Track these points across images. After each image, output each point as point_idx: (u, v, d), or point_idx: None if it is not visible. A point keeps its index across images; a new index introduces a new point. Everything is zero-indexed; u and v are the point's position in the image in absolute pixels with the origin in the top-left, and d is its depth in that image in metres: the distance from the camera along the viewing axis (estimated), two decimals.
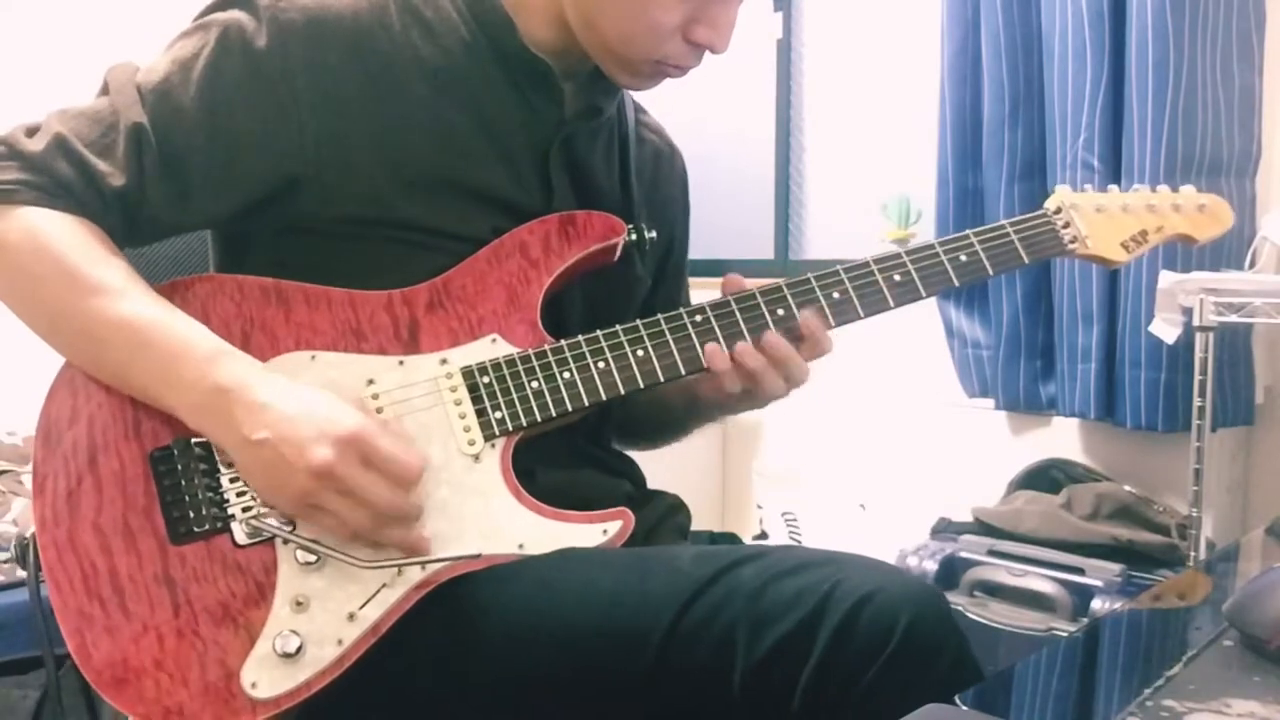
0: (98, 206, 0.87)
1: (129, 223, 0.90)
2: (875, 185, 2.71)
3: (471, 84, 0.95)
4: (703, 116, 3.16)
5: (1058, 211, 1.02)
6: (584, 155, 1.01)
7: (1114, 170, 2.06)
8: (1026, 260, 0.98)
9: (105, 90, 0.91)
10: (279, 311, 0.90)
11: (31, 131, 0.88)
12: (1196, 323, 1.80)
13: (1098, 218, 1.02)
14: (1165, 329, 1.86)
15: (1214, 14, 1.97)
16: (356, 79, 0.91)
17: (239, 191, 0.91)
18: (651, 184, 1.11)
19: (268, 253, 0.94)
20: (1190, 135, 1.97)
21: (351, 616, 0.82)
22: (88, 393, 0.87)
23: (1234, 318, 1.80)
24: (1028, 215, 1.01)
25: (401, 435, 0.86)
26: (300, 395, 0.82)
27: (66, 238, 0.85)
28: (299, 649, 0.80)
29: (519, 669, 0.83)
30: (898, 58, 2.81)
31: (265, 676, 0.79)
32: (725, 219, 3.08)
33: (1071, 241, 1.00)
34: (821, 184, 3.07)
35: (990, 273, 0.97)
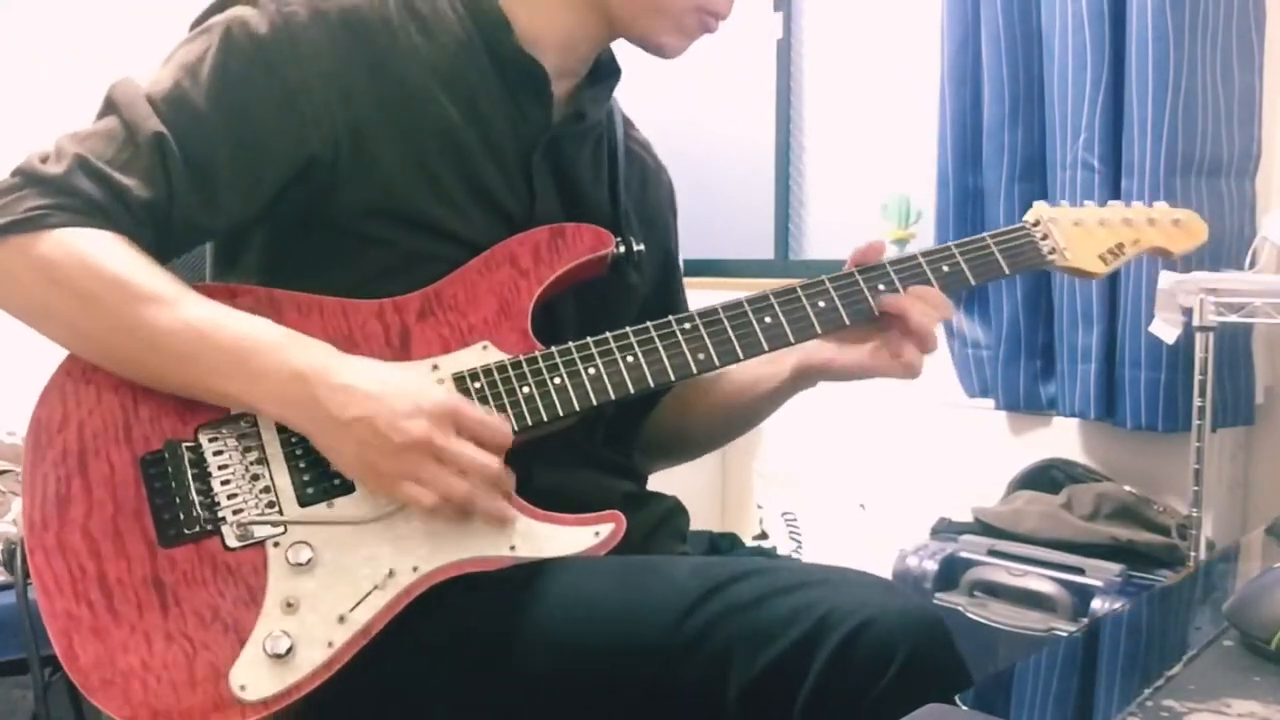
0: (129, 222, 0.86)
1: (162, 234, 0.88)
2: (875, 185, 2.70)
3: (467, 82, 0.95)
4: (703, 116, 3.16)
5: (1036, 224, 1.05)
6: (570, 161, 1.01)
7: (1114, 170, 2.05)
8: (1008, 271, 1.01)
9: (109, 109, 0.89)
10: (271, 318, 0.88)
11: (45, 158, 0.86)
12: (1196, 323, 1.79)
13: (1075, 231, 1.05)
14: (1165, 329, 1.86)
15: (1214, 14, 1.97)
16: (364, 68, 0.91)
17: (268, 183, 0.90)
18: (640, 198, 1.11)
19: (263, 255, 0.95)
20: (1190, 135, 1.97)
21: (342, 618, 0.81)
22: (78, 398, 0.86)
23: (1234, 318, 1.80)
24: (1008, 228, 1.04)
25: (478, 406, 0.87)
26: (380, 373, 0.84)
27: (111, 253, 0.84)
28: (289, 650, 0.79)
29: (508, 677, 0.82)
30: (898, 57, 2.81)
31: (254, 678, 0.79)
32: (725, 219, 3.07)
33: (1050, 253, 1.03)
34: (821, 184, 3.07)
35: (973, 283, 1.00)
